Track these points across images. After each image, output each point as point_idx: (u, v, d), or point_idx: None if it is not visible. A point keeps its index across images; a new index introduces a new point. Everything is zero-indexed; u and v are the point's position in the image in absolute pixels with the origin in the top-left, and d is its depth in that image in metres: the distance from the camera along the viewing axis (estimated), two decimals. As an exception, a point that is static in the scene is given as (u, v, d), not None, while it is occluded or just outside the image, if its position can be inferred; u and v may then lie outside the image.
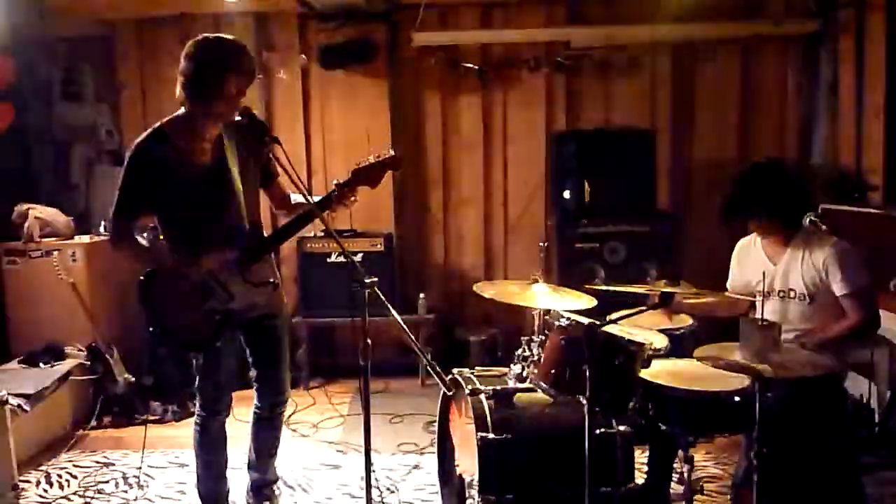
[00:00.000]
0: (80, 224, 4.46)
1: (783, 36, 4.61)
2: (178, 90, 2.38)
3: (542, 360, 2.46)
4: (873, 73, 4.15)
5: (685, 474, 2.45)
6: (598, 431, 2.27)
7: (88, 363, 3.95)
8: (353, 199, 2.51)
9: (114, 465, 3.45)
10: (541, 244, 3.18)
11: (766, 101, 4.75)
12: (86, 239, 4.24)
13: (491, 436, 2.33)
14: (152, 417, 3.97)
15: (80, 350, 4.01)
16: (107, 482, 3.27)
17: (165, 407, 4.02)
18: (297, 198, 2.72)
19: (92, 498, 3.14)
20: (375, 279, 2.08)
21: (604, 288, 2.68)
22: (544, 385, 2.37)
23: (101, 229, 4.34)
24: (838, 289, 2.47)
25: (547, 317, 2.63)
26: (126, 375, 3.97)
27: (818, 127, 4.66)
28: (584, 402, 2.16)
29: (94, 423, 3.87)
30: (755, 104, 4.75)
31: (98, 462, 3.48)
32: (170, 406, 4.02)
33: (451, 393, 2.36)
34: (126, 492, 3.18)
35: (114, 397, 3.93)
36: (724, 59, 4.72)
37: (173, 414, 4.00)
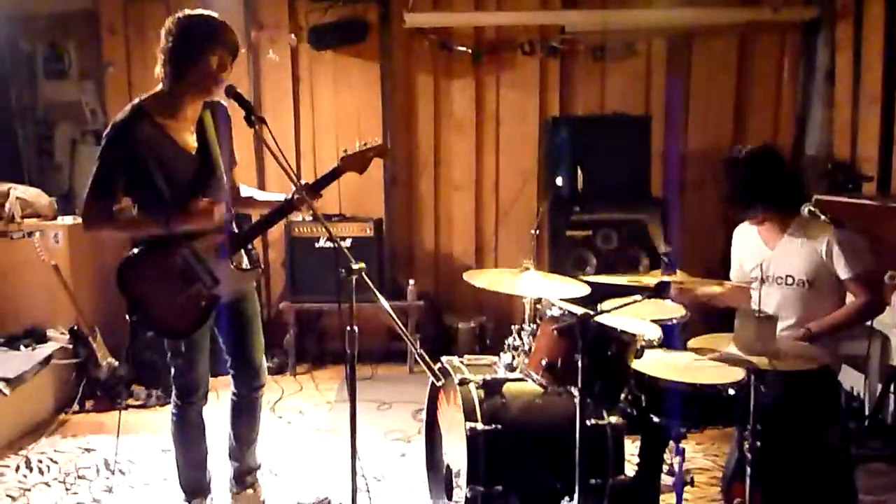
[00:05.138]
0: (64, 205, 4.36)
1: (780, 23, 4.55)
2: (158, 67, 2.31)
3: (533, 349, 2.41)
4: (871, 61, 4.11)
5: (675, 466, 2.43)
6: (589, 423, 2.23)
7: (71, 346, 3.89)
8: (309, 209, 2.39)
9: (95, 450, 3.38)
10: (532, 231, 3.13)
11: (762, 89, 4.70)
12: (69, 220, 4.14)
13: (480, 426, 2.28)
14: (135, 402, 3.91)
15: (63, 333, 3.93)
16: (88, 468, 3.21)
17: (149, 391, 3.96)
18: (246, 190, 2.66)
19: (73, 483, 3.08)
20: (363, 264, 2.02)
21: (597, 280, 2.63)
22: (535, 375, 2.33)
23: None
24: (843, 272, 2.42)
25: (538, 306, 2.58)
26: (109, 359, 3.90)
27: (813, 115, 4.62)
28: (576, 392, 2.12)
29: (76, 407, 3.81)
30: (751, 91, 4.70)
31: (80, 447, 3.42)
32: (154, 390, 3.96)
33: (440, 383, 2.31)
34: (108, 478, 3.13)
35: (96, 381, 3.86)
36: (720, 46, 4.66)
37: (157, 399, 3.94)
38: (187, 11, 2.30)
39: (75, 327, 3.88)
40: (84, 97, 4.82)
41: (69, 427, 3.68)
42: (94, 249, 4.11)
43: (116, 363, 3.92)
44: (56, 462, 3.27)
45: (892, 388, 3.27)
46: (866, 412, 3.37)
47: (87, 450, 3.39)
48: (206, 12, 2.32)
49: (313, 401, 4.03)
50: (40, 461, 3.28)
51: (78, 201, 4.45)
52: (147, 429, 3.61)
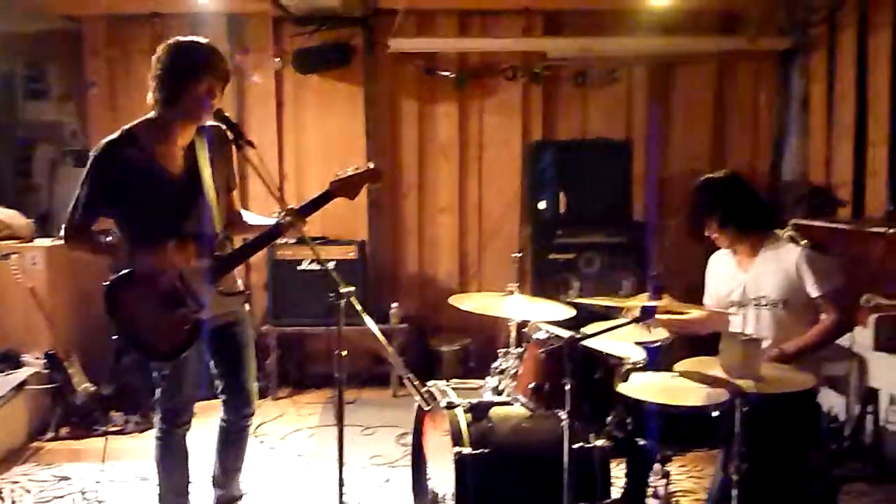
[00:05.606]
0: (42, 226, 4.30)
1: (757, 52, 4.68)
2: (150, 95, 2.31)
3: (519, 373, 2.41)
4: (844, 90, 4.22)
5: (660, 489, 2.43)
6: (575, 446, 2.23)
7: (46, 371, 3.80)
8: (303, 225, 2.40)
9: (71, 478, 3.29)
10: (515, 254, 3.15)
11: (740, 116, 4.81)
12: (47, 242, 4.07)
13: (467, 451, 2.27)
14: (113, 428, 3.83)
15: (38, 358, 3.84)
16: (63, 497, 3.13)
17: (127, 418, 3.87)
18: (248, 216, 2.65)
19: (47, 513, 3.00)
20: (353, 288, 2.02)
21: (585, 301, 2.65)
22: (522, 398, 2.33)
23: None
24: (813, 290, 2.46)
25: (524, 329, 2.58)
26: (86, 385, 3.82)
27: (789, 142, 4.73)
28: (564, 416, 2.12)
29: (51, 434, 3.72)
30: (729, 118, 4.81)
31: (55, 475, 3.33)
32: (131, 417, 3.88)
33: (428, 408, 2.30)
34: (84, 507, 3.05)
35: (73, 407, 3.78)
36: (699, 73, 4.77)
37: (135, 425, 3.85)
38: (178, 38, 2.31)
39: (51, 352, 3.80)
40: (65, 118, 4.78)
41: (44, 455, 3.58)
42: (73, 272, 4.04)
43: (93, 388, 3.84)
44: (29, 491, 3.18)
45: (869, 409, 3.32)
46: (845, 433, 3.41)
47: (63, 478, 3.30)
48: (196, 39, 2.33)
49: (295, 426, 3.97)
50: (13, 491, 3.18)
51: (57, 222, 4.38)
52: (125, 455, 3.52)
